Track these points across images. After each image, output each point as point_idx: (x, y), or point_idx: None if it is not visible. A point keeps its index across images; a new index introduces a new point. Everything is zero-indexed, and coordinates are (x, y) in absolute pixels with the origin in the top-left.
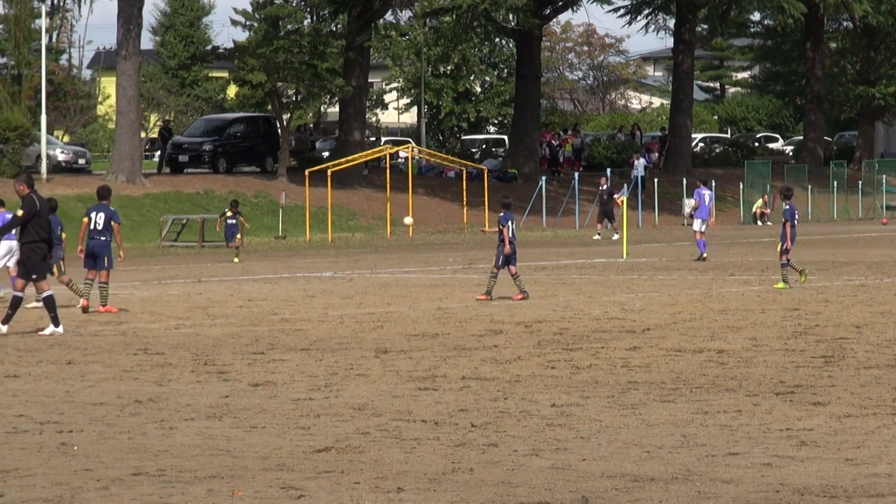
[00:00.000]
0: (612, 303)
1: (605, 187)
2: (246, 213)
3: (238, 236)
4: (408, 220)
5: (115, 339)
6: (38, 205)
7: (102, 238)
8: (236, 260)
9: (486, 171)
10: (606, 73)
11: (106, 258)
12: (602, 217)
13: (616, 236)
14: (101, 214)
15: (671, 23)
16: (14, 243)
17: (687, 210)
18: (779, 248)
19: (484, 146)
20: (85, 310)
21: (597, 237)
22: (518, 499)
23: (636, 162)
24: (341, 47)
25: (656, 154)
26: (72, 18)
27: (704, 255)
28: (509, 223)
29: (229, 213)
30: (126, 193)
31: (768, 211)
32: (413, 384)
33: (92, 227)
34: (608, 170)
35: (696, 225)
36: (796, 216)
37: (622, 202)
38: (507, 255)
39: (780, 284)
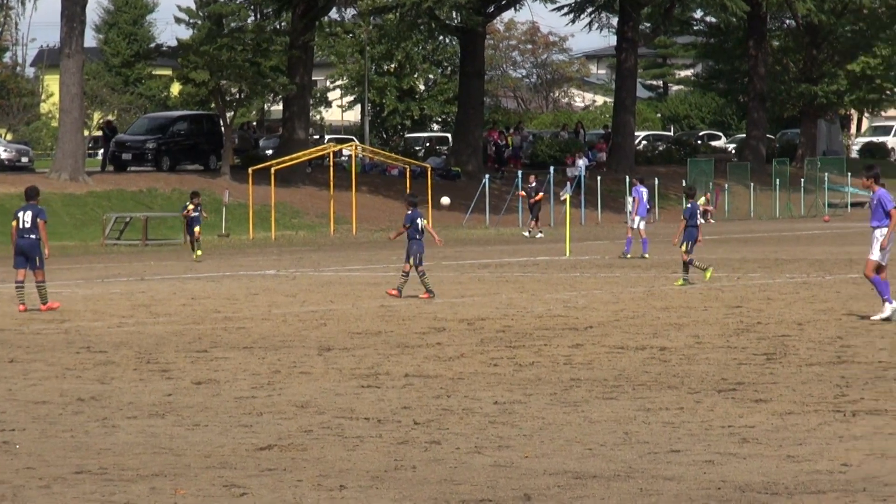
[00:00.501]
0: (555, 300)
1: (533, 185)
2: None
3: (197, 228)
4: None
5: (57, 338)
6: None
7: (32, 237)
8: (199, 253)
9: (429, 170)
10: (550, 72)
11: (37, 258)
12: (534, 215)
13: (539, 234)
14: (29, 213)
15: (614, 21)
16: None
17: (629, 207)
18: (682, 248)
19: (427, 144)
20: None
21: (526, 234)
22: (460, 496)
23: (578, 162)
24: (285, 45)
25: (604, 154)
26: (15, 16)
27: (629, 254)
28: (417, 221)
29: (191, 206)
30: (69, 192)
31: (711, 209)
32: (356, 382)
33: (21, 226)
34: (551, 168)
35: (637, 223)
36: (697, 215)
37: (566, 200)
38: (417, 251)
39: (679, 282)
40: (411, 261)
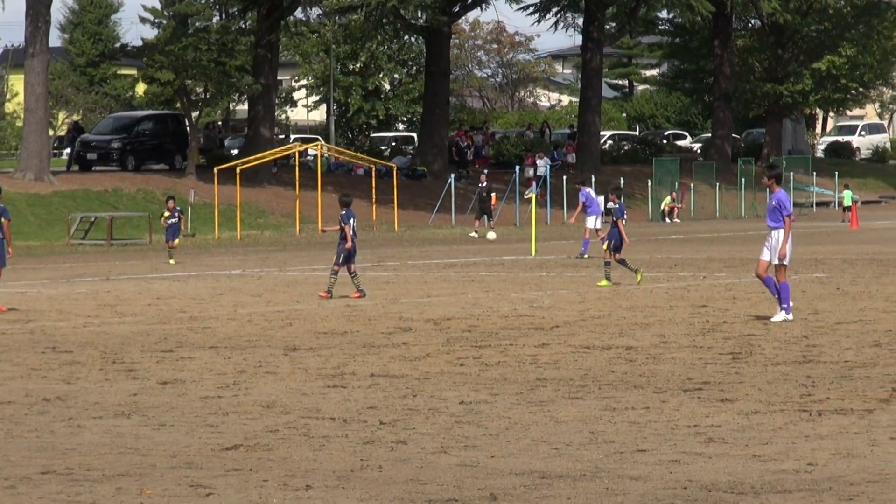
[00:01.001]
0: (521, 300)
1: (483, 185)
2: (154, 212)
3: (176, 240)
4: (491, 235)
5: (22, 338)
6: None
7: None
8: (172, 262)
9: (395, 169)
10: (516, 71)
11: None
12: (480, 214)
13: (492, 235)
14: None
15: (580, 21)
16: None
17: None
18: (605, 247)
19: (393, 144)
20: None
21: (473, 234)
22: (427, 496)
23: (538, 161)
24: (250, 45)
25: (572, 155)
26: None
27: (586, 255)
28: (351, 221)
29: (166, 213)
30: (34, 191)
31: (678, 207)
32: (322, 382)
33: None
34: (517, 168)
35: (591, 222)
36: (625, 215)
37: (531, 199)
38: (349, 251)
39: (604, 282)
40: (339, 260)
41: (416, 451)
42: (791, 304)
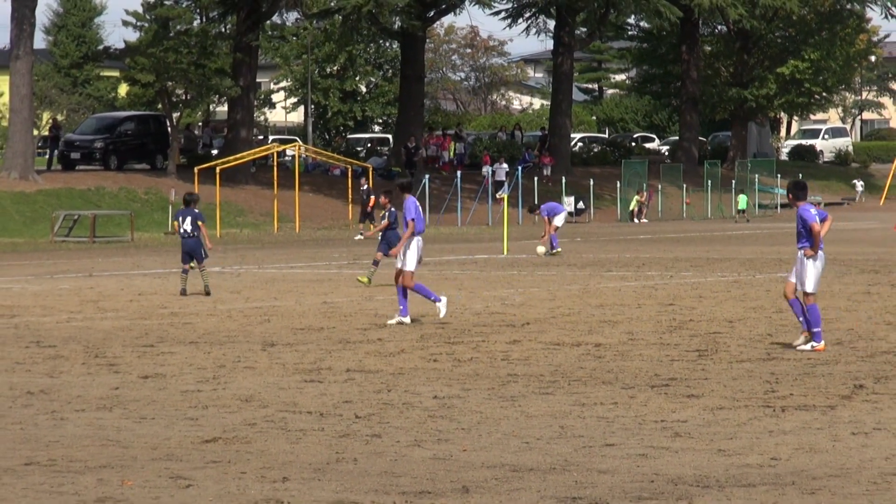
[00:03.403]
0: (493, 298)
1: (365, 188)
2: (136, 210)
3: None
4: (541, 249)
5: (7, 332)
6: None
7: None
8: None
9: (370, 169)
10: (489, 75)
11: None
12: (363, 218)
13: (541, 249)
14: None
15: (551, 25)
16: None
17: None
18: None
19: (369, 145)
20: None
21: (359, 237)
22: (400, 488)
23: (495, 167)
24: (230, 48)
25: (549, 168)
26: None
27: (558, 249)
28: (193, 218)
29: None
30: (19, 190)
31: (646, 203)
32: (299, 376)
33: None
34: (486, 169)
35: (559, 220)
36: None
37: (503, 199)
38: (202, 251)
39: (363, 279)
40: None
41: (390, 445)
42: (819, 329)
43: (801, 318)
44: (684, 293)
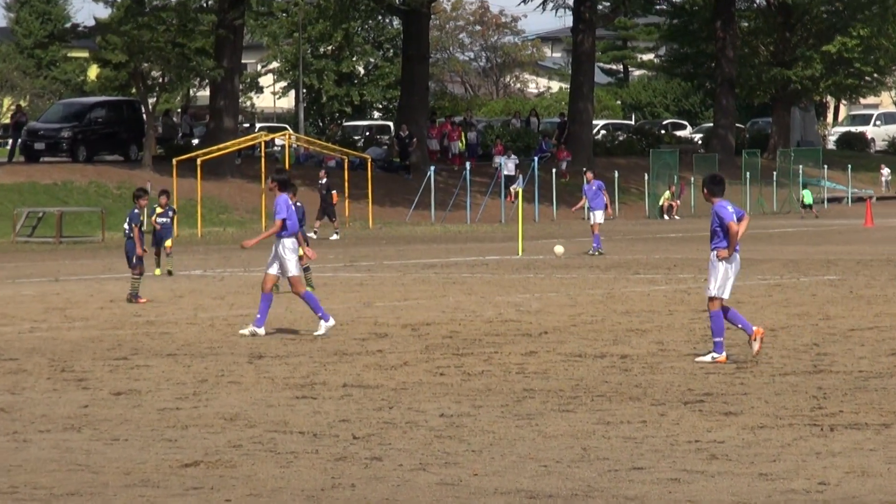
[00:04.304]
0: (507, 304)
1: (324, 181)
2: (108, 206)
3: (168, 241)
4: (559, 249)
5: None
6: None
7: None
8: (159, 272)
9: (369, 161)
10: (501, 55)
11: None
12: (322, 214)
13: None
14: None
15: (570, 0)
16: None
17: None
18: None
19: (367, 133)
20: None
21: (312, 235)
22: None
23: (505, 160)
24: (212, 25)
25: (566, 163)
26: None
27: (599, 250)
28: (130, 219)
29: (159, 210)
30: None
31: (676, 203)
32: (290, 392)
33: None
34: (500, 160)
35: (598, 217)
36: (305, 218)
37: (518, 193)
38: (140, 255)
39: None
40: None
41: (392, 469)
42: (721, 339)
43: (739, 326)
44: None
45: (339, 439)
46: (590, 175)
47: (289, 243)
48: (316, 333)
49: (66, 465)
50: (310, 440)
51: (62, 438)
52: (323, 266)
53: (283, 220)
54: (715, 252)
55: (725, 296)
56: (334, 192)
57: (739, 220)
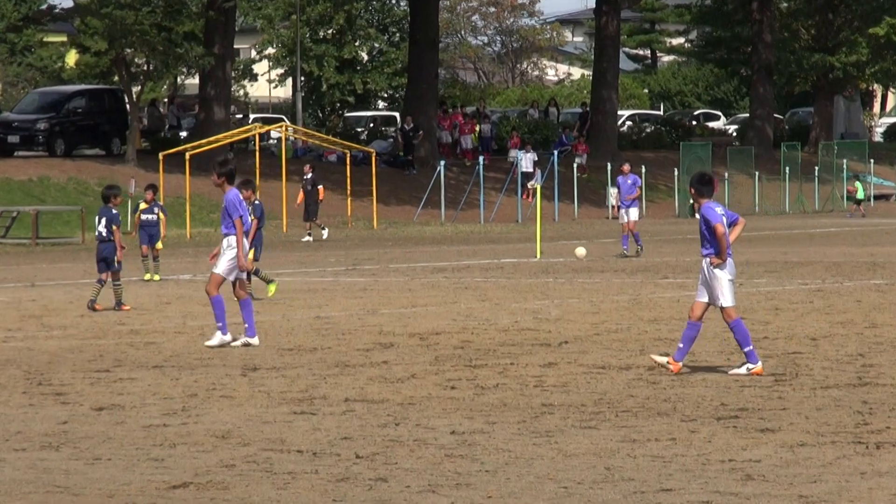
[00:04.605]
0: (524, 311)
1: (309, 176)
2: (88, 205)
3: (159, 244)
4: (580, 251)
5: None
6: None
7: None
8: (151, 277)
9: (373, 155)
10: (517, 39)
11: None
12: (309, 216)
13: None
14: None
15: None
16: None
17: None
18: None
19: (371, 125)
20: None
21: (308, 239)
22: None
23: (522, 154)
24: (201, 6)
25: (584, 157)
26: None
27: (629, 251)
28: (108, 220)
29: (143, 206)
30: None
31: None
32: (287, 407)
33: None
34: (518, 154)
35: (633, 214)
36: (263, 217)
37: (536, 190)
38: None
39: (272, 288)
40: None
41: (398, 491)
42: (751, 347)
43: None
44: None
45: (340, 458)
46: (626, 167)
47: (232, 241)
48: (207, 343)
49: (43, 486)
50: (309, 459)
51: (39, 458)
52: (322, 270)
53: (241, 217)
54: (708, 259)
55: (733, 303)
56: (320, 187)
57: (733, 224)
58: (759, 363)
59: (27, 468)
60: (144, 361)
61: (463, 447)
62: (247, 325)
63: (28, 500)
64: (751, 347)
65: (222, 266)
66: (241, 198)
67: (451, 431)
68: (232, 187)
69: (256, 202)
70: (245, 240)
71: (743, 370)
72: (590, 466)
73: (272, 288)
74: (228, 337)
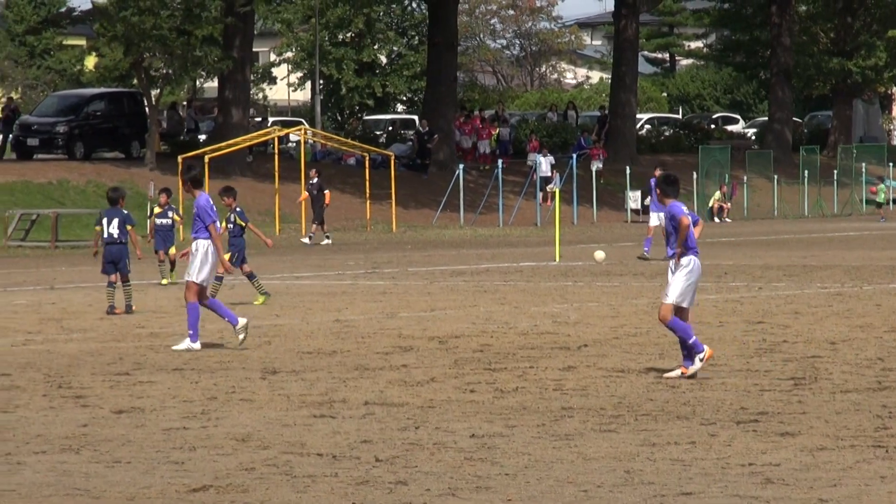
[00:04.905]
0: (543, 314)
1: (315, 181)
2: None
3: (172, 249)
4: (599, 254)
5: None
6: None
7: None
8: (166, 281)
9: (392, 158)
10: (535, 42)
11: None
12: (317, 219)
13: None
14: None
15: None
16: None
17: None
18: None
19: (390, 128)
20: None
21: (306, 241)
22: None
23: (540, 158)
24: (220, 11)
25: (600, 162)
26: None
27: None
28: (121, 221)
29: (157, 210)
30: None
31: (727, 205)
32: (307, 411)
33: None
34: (538, 158)
35: (654, 219)
36: (249, 219)
37: (554, 194)
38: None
39: (261, 299)
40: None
41: (418, 494)
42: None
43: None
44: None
45: (360, 462)
46: (658, 171)
47: (201, 245)
48: (174, 347)
49: (63, 489)
50: (329, 463)
51: (59, 460)
52: (341, 273)
53: (214, 223)
54: (673, 254)
55: (678, 300)
56: (327, 192)
57: (694, 224)
58: (706, 347)
59: (47, 471)
60: (164, 364)
61: (482, 450)
62: (191, 332)
63: (48, 502)
64: (694, 338)
65: (199, 273)
66: (212, 203)
67: (471, 435)
68: (201, 192)
69: (238, 209)
70: (219, 243)
71: (697, 365)
72: (609, 470)
73: (262, 299)
74: (197, 346)
